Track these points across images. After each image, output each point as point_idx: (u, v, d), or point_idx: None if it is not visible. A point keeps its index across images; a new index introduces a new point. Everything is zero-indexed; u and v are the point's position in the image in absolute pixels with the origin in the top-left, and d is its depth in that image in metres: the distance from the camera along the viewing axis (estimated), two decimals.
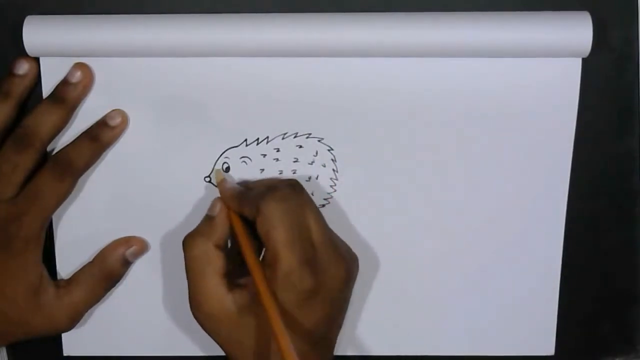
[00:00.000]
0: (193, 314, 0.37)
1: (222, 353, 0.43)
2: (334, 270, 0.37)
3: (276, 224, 0.35)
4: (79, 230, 0.42)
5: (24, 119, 0.39)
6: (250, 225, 0.37)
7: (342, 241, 0.39)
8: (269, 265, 0.36)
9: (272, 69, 0.40)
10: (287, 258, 0.35)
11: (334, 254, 0.37)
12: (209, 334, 0.37)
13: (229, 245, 0.39)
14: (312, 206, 0.37)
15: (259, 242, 0.37)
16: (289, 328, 0.34)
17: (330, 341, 0.38)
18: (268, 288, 0.35)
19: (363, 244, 0.41)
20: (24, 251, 0.39)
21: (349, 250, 0.39)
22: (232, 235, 0.38)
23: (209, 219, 0.38)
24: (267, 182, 0.40)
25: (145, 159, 0.41)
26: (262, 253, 0.37)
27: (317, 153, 0.41)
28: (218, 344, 0.37)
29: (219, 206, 0.38)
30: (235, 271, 0.38)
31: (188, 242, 0.37)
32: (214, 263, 0.37)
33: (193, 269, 0.37)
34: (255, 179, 0.41)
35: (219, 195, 0.39)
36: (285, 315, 0.35)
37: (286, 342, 0.33)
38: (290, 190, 0.37)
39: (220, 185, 0.39)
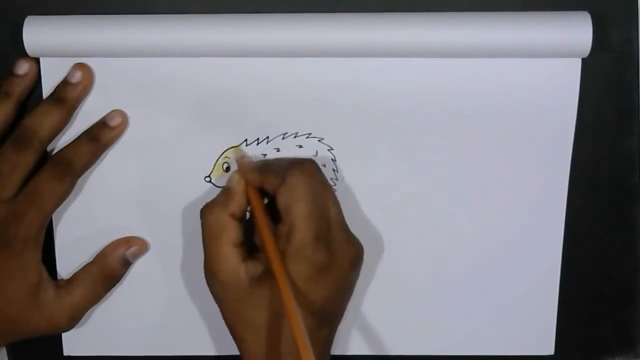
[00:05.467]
0: (206, 281, 0.38)
1: (223, 353, 0.43)
2: (345, 250, 0.38)
3: (299, 196, 0.36)
4: (79, 230, 0.42)
5: (24, 119, 0.39)
6: (266, 202, 0.38)
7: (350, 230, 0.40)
8: (284, 236, 0.36)
9: (272, 69, 0.40)
10: (303, 231, 0.36)
11: (346, 235, 0.38)
12: (217, 302, 0.38)
13: (247, 218, 0.40)
14: (330, 187, 0.38)
15: (274, 218, 0.38)
16: (299, 301, 0.35)
17: (335, 323, 0.39)
18: (280, 258, 0.36)
19: (362, 243, 0.41)
20: (24, 251, 0.39)
21: (357, 238, 0.40)
22: (250, 209, 0.39)
23: (226, 190, 0.39)
24: (289, 158, 0.40)
25: (145, 159, 0.41)
26: (278, 227, 0.37)
27: (317, 153, 0.41)
28: (222, 313, 0.38)
29: (236, 178, 0.39)
30: (251, 244, 0.39)
31: (204, 210, 0.38)
32: (228, 231, 0.37)
33: (208, 236, 0.37)
34: None
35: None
36: (296, 287, 0.36)
37: (295, 314, 0.34)
38: (315, 167, 0.38)
39: (240, 160, 0.39)
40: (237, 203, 0.38)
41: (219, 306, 0.38)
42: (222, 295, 0.37)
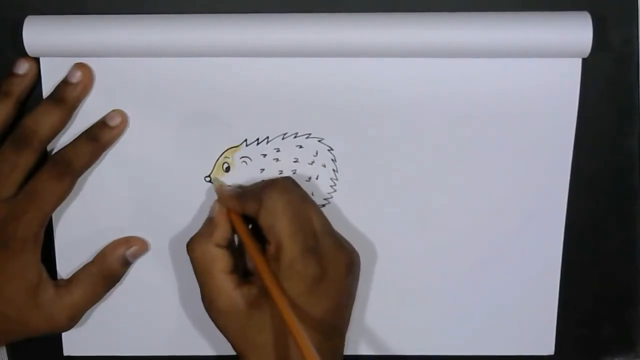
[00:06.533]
0: (207, 313, 0.38)
1: (223, 353, 0.43)
2: (336, 258, 0.37)
3: (279, 214, 0.36)
4: (79, 230, 0.42)
5: (24, 118, 0.39)
6: (251, 224, 0.38)
7: (341, 235, 0.40)
8: (273, 256, 0.37)
9: (272, 69, 0.40)
10: (291, 247, 0.36)
11: (335, 242, 0.38)
12: (221, 331, 0.38)
13: (236, 244, 0.40)
14: (310, 199, 0.39)
15: (260, 240, 0.38)
16: (299, 318, 0.35)
17: (341, 332, 0.39)
18: (274, 279, 0.36)
19: (363, 243, 0.41)
20: (23, 251, 0.39)
21: (348, 243, 0.40)
22: (236, 234, 0.39)
23: (208, 220, 0.39)
24: (265, 180, 0.40)
25: (145, 159, 0.41)
26: (266, 248, 0.37)
27: (317, 153, 0.41)
28: (229, 341, 0.38)
29: (217, 207, 0.39)
30: (244, 269, 0.39)
31: (189, 245, 0.38)
32: (217, 261, 0.37)
33: (198, 269, 0.38)
34: (255, 179, 0.41)
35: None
36: (294, 305, 0.36)
37: (299, 331, 0.34)
38: (290, 183, 0.38)
39: (219, 189, 0.40)
40: (220, 232, 0.38)
41: (224, 335, 0.38)
42: (224, 324, 0.37)
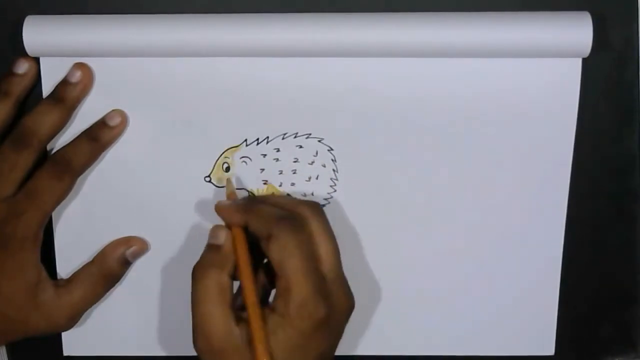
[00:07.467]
0: (198, 346, 0.35)
1: None
2: (342, 301, 0.36)
3: (292, 252, 0.35)
4: (79, 230, 0.42)
5: (23, 118, 0.39)
6: (253, 243, 0.37)
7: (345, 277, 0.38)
8: (281, 294, 0.35)
9: (272, 69, 0.39)
10: (302, 287, 0.34)
11: (343, 285, 0.37)
12: None
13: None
14: (327, 235, 0.37)
15: (256, 260, 0.37)
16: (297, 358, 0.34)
17: None
18: (263, 331, 0.34)
19: (363, 244, 0.41)
20: (22, 250, 0.39)
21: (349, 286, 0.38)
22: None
23: (216, 248, 0.37)
24: (282, 201, 0.38)
25: (145, 159, 0.41)
26: (276, 282, 0.36)
27: (317, 153, 0.41)
28: None
29: (224, 234, 0.37)
30: (238, 302, 0.37)
31: (199, 272, 0.36)
32: (225, 294, 0.35)
33: (203, 299, 0.35)
34: (255, 179, 0.41)
35: (219, 198, 0.39)
36: (296, 344, 0.34)
37: None
38: (301, 225, 0.36)
39: (229, 197, 0.39)
40: (231, 261, 0.36)
41: None
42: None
